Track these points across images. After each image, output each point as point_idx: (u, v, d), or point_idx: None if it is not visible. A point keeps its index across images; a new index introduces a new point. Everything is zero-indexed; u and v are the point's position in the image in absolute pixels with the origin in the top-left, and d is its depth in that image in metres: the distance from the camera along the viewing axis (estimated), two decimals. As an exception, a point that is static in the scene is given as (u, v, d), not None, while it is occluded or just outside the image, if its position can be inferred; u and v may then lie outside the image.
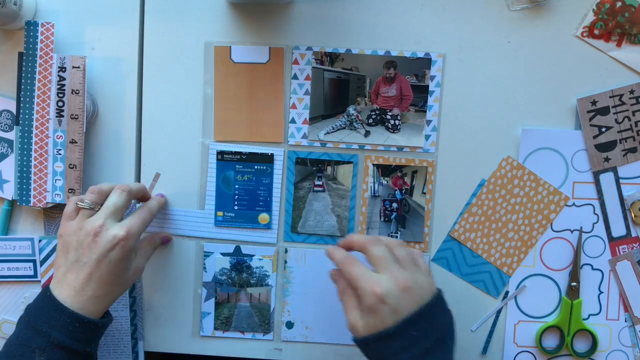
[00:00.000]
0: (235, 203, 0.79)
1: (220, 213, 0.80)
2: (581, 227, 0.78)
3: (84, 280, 0.65)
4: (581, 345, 0.80)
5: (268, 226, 0.80)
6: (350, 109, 0.78)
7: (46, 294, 0.66)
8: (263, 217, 0.79)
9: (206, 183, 0.79)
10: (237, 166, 0.78)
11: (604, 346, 0.79)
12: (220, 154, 0.78)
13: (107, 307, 0.68)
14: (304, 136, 0.78)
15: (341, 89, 0.78)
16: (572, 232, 0.78)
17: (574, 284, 0.78)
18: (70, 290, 0.65)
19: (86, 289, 0.65)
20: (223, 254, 0.80)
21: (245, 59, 0.77)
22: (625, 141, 0.77)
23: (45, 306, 0.65)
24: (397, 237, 0.79)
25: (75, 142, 0.76)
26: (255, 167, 0.78)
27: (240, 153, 0.78)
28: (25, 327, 0.65)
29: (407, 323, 0.61)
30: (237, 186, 0.79)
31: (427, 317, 0.62)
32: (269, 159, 0.78)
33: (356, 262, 0.65)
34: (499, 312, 0.80)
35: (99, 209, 0.68)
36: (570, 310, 0.78)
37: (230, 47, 0.77)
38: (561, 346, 0.79)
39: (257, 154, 0.78)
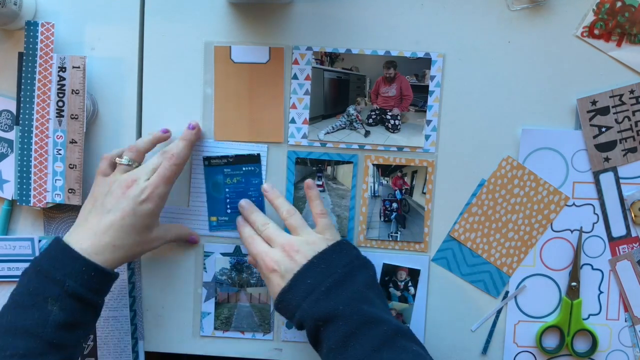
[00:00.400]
0: (228, 207, 0.79)
1: (214, 218, 0.79)
2: (581, 227, 0.78)
3: (105, 226, 0.67)
4: (581, 345, 0.80)
5: None
6: (350, 109, 0.78)
7: (59, 244, 0.66)
8: None
9: (197, 190, 0.79)
10: (225, 170, 0.78)
11: (604, 346, 0.79)
12: (207, 159, 0.78)
13: (120, 262, 0.68)
14: (304, 136, 0.78)
15: (341, 89, 0.78)
16: (572, 232, 0.78)
17: (574, 284, 0.78)
18: (89, 233, 0.67)
19: (105, 236, 0.66)
20: (223, 254, 0.80)
21: (245, 59, 0.77)
22: (625, 141, 0.77)
23: (59, 255, 0.65)
24: (397, 237, 0.79)
25: (75, 142, 0.76)
26: (244, 168, 0.78)
27: (226, 157, 0.78)
28: (37, 277, 0.65)
29: (298, 276, 0.67)
30: (227, 190, 0.79)
31: (318, 264, 0.68)
32: (255, 159, 0.78)
33: (255, 240, 0.73)
34: (499, 312, 0.80)
35: (137, 166, 0.71)
36: (570, 310, 0.78)
37: (230, 47, 0.77)
38: (561, 346, 0.79)
39: (243, 155, 0.78)
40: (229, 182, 0.78)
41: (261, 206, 0.79)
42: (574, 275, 0.78)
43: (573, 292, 0.78)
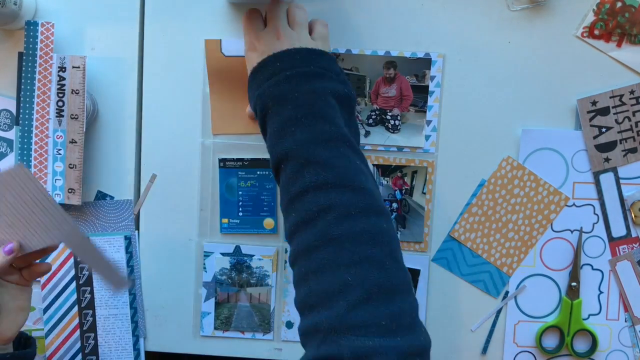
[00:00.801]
0: (240, 209, 0.79)
1: (225, 220, 0.79)
2: (581, 227, 0.78)
3: None
4: (581, 346, 0.80)
5: (273, 231, 0.80)
6: (350, 109, 0.78)
7: None
8: (268, 222, 0.79)
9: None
10: (239, 172, 0.78)
11: (604, 346, 0.79)
12: (223, 161, 0.78)
13: None
14: (304, 136, 0.78)
15: (341, 89, 0.77)
16: (572, 232, 0.78)
17: (574, 284, 0.78)
18: None
19: None
20: (223, 254, 0.80)
21: (236, 52, 0.77)
22: (626, 141, 0.77)
23: None
24: (397, 237, 0.79)
25: (75, 142, 0.76)
26: (258, 172, 0.78)
27: (242, 160, 0.78)
28: None
29: (272, 57, 0.63)
30: (240, 192, 0.79)
31: (295, 55, 0.63)
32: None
33: (252, 19, 0.69)
34: (498, 312, 0.80)
35: None
36: (570, 310, 0.78)
37: (220, 40, 0.77)
38: (561, 346, 0.79)
39: (259, 159, 0.78)
40: (242, 185, 0.78)
41: (273, 211, 0.79)
42: (574, 275, 0.78)
43: (573, 292, 0.78)
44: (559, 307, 0.79)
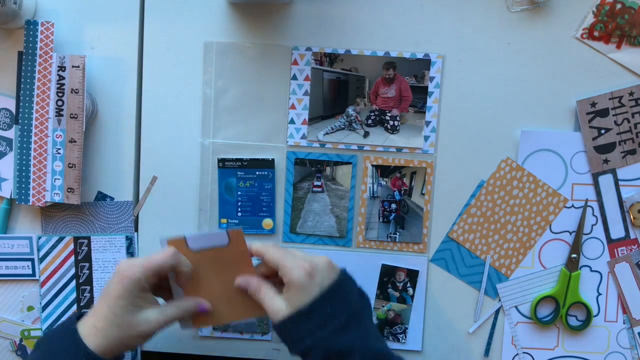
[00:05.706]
0: (239, 209, 0.79)
1: (224, 220, 0.80)
2: (587, 199, 0.78)
3: (92, 310, 0.64)
4: (575, 318, 0.79)
5: (272, 231, 0.80)
6: (350, 110, 0.78)
7: (70, 326, 0.64)
8: (267, 223, 0.79)
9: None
10: (238, 173, 0.78)
11: (602, 347, 0.79)
12: (222, 161, 0.78)
13: (109, 348, 0.62)
14: (303, 137, 0.78)
15: (340, 89, 0.78)
16: (570, 233, 0.78)
17: (574, 255, 0.77)
18: (84, 317, 0.65)
19: (90, 317, 0.64)
20: (222, 254, 0.80)
21: (203, 246, 0.68)
22: (625, 143, 0.77)
23: (64, 335, 0.64)
24: (395, 237, 0.79)
25: (75, 142, 0.76)
26: (257, 172, 0.78)
27: (241, 160, 0.78)
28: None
29: (323, 299, 0.62)
30: (239, 193, 0.79)
31: (338, 292, 0.63)
32: (270, 164, 0.78)
33: (280, 249, 0.67)
34: (497, 313, 0.80)
35: None
36: (568, 282, 0.77)
37: (184, 237, 0.66)
38: (555, 317, 0.78)
39: (258, 159, 0.78)
40: (241, 185, 0.78)
41: (272, 211, 0.79)
42: (575, 247, 0.77)
43: (572, 264, 0.77)
44: (557, 279, 0.79)
